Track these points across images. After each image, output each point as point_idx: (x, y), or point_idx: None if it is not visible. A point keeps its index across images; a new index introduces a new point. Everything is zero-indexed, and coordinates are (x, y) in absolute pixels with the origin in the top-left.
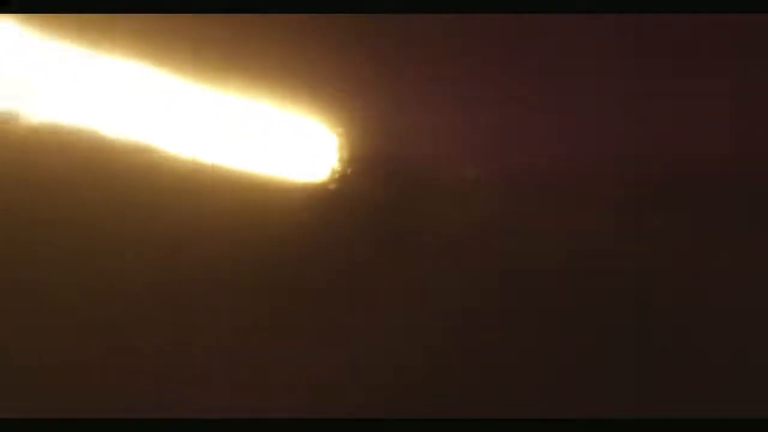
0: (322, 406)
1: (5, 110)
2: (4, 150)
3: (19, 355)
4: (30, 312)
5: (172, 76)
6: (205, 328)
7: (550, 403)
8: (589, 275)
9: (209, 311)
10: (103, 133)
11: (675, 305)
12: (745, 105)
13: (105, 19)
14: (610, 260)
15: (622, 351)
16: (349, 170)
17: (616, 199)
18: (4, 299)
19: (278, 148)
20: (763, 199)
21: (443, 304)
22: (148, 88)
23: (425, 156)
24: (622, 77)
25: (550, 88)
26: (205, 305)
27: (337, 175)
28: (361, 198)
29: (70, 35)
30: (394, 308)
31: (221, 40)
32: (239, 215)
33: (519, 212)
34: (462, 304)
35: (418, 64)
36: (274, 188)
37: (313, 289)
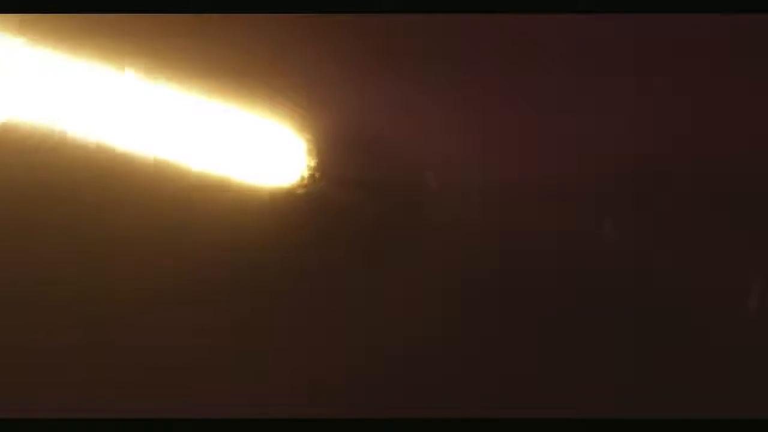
0: (323, 406)
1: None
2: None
3: (19, 355)
4: (29, 312)
5: (141, 79)
6: (196, 330)
7: (550, 403)
8: (589, 275)
9: (189, 312)
10: (75, 136)
11: (675, 305)
12: (745, 105)
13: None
14: (610, 260)
15: (622, 350)
16: (317, 174)
17: (616, 199)
18: (4, 299)
19: (246, 152)
20: (763, 199)
21: (418, 305)
22: (120, 92)
23: (398, 158)
24: (622, 77)
25: (545, 88)
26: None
27: (306, 180)
28: (330, 202)
29: (55, 36)
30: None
31: (196, 42)
32: (211, 218)
33: (497, 216)
34: (441, 305)
35: (393, 65)
36: (244, 192)
37: (293, 290)
